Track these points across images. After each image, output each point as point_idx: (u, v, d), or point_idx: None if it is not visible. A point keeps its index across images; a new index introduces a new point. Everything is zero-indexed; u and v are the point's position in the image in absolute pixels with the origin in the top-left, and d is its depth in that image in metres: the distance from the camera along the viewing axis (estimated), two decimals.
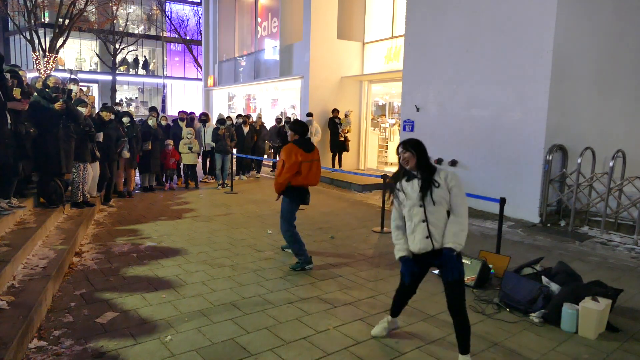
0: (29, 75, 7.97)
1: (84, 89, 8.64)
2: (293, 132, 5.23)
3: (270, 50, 15.01)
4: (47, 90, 6.52)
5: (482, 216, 8.08)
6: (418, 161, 3.12)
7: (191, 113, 12.07)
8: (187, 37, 33.27)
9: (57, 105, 6.19)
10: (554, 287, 4.20)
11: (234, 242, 6.21)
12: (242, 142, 11.94)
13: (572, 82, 7.79)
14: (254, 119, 12.99)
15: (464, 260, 4.92)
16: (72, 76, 9.08)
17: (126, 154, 8.68)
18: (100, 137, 7.59)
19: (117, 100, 28.05)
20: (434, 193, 3.06)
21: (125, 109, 11.65)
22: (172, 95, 36.14)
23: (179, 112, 11.53)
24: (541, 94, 7.55)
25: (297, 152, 5.06)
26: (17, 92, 5.41)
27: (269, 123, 14.06)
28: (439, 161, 9.07)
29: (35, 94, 6.45)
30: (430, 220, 3.07)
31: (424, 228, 3.08)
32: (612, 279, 5.11)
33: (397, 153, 3.22)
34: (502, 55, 8.10)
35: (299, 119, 13.01)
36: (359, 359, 3.34)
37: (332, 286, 4.72)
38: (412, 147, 3.14)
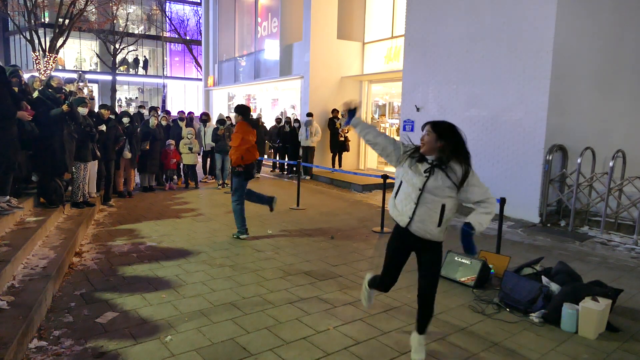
0: (26, 75, 7.99)
1: (86, 89, 8.69)
2: (238, 114, 6.32)
3: (270, 50, 15.01)
4: (50, 90, 6.54)
5: None
6: (442, 150, 2.94)
7: (190, 113, 12.07)
8: (187, 37, 33.27)
9: (64, 108, 6.23)
10: (554, 287, 4.20)
11: (234, 242, 6.21)
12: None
13: (572, 82, 7.79)
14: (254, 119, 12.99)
15: (463, 260, 4.94)
16: (80, 79, 9.13)
17: (127, 154, 8.69)
18: (104, 127, 7.62)
19: (118, 100, 28.08)
20: (438, 183, 2.94)
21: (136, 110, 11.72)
22: (172, 95, 36.14)
23: (164, 111, 11.54)
24: (541, 94, 7.55)
25: (251, 130, 6.23)
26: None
27: (269, 123, 14.07)
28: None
29: (37, 93, 6.47)
30: (420, 206, 2.99)
31: (411, 209, 3.02)
32: (612, 279, 5.11)
33: (423, 130, 3.03)
34: (502, 55, 8.10)
35: (299, 118, 13.04)
36: (359, 359, 3.34)
37: (332, 286, 4.72)
38: (441, 133, 2.94)
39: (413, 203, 3.01)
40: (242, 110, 6.36)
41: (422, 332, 3.29)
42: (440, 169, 2.95)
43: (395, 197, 3.16)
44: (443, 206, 2.97)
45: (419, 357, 3.29)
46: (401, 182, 3.12)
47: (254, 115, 14.40)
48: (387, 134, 3.24)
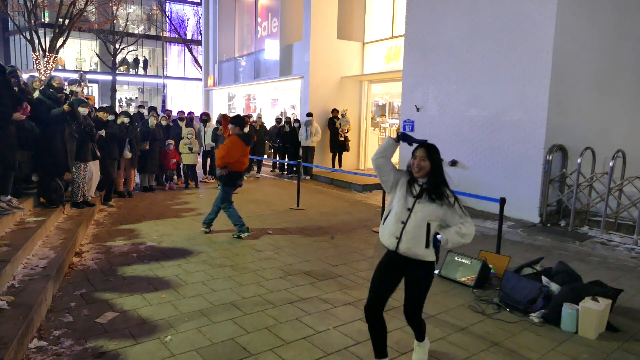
0: (25, 75, 7.99)
1: (85, 90, 8.68)
2: (235, 125, 6.33)
3: (270, 50, 15.02)
4: (51, 90, 6.53)
5: (482, 216, 8.08)
6: (432, 171, 3.03)
7: (190, 113, 12.07)
8: (187, 37, 33.28)
9: (66, 107, 6.23)
10: (554, 287, 4.20)
11: (234, 242, 6.21)
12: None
13: (572, 82, 7.79)
14: (254, 119, 13.02)
15: (463, 260, 4.95)
16: (81, 78, 9.10)
17: (128, 154, 8.69)
18: (103, 133, 7.63)
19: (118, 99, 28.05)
20: (427, 205, 2.99)
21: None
22: (172, 95, 36.14)
23: (166, 111, 11.53)
24: (541, 94, 7.55)
25: (242, 147, 6.29)
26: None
27: (269, 123, 14.07)
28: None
29: (38, 93, 6.47)
30: (408, 227, 3.01)
31: (399, 229, 3.03)
32: (612, 279, 5.11)
33: (414, 155, 3.05)
34: (502, 55, 8.10)
35: (299, 118, 13.04)
36: (359, 359, 3.34)
37: (332, 286, 4.72)
38: (433, 158, 3.02)
39: (401, 223, 3.03)
40: (239, 122, 6.38)
41: (420, 339, 3.30)
42: (428, 194, 3.01)
43: (384, 222, 3.16)
44: (428, 225, 3.00)
45: (418, 358, 3.30)
46: (391, 207, 3.14)
47: (254, 115, 14.42)
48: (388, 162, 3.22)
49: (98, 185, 7.89)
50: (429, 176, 3.03)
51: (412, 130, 9.94)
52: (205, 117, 11.68)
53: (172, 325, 3.74)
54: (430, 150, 3.04)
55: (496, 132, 8.27)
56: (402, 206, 3.05)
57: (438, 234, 3.01)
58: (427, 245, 3.00)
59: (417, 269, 3.08)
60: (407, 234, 3.01)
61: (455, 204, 3.04)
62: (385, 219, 3.16)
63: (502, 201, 5.62)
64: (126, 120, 8.71)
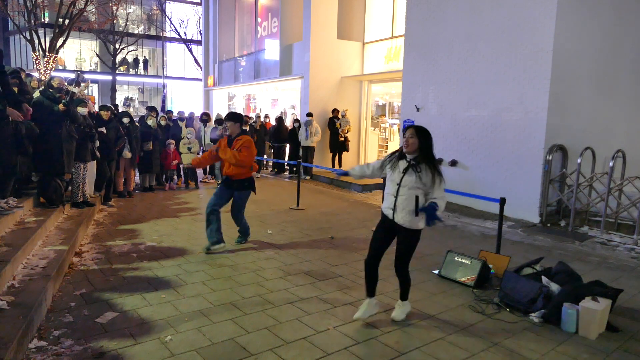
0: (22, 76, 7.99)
1: (85, 91, 8.60)
2: (234, 122, 5.71)
3: (270, 50, 15.02)
4: (50, 90, 6.54)
5: (482, 216, 8.08)
6: (420, 149, 3.59)
7: (191, 113, 12.08)
8: (187, 37, 33.27)
9: (60, 107, 6.22)
10: (554, 287, 4.19)
11: (233, 242, 6.20)
12: None
13: (572, 82, 7.79)
14: (254, 119, 13.02)
15: (463, 260, 4.95)
16: (79, 78, 9.04)
17: (127, 154, 8.68)
18: (104, 130, 7.62)
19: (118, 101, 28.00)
20: (412, 179, 3.54)
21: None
22: (172, 95, 36.12)
23: (166, 112, 11.54)
24: (541, 94, 7.55)
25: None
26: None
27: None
28: (439, 161, 9.11)
29: (38, 93, 6.47)
30: (399, 198, 3.61)
31: (392, 201, 3.65)
32: (612, 279, 5.11)
33: (404, 134, 3.65)
34: (502, 55, 8.10)
35: (299, 118, 13.03)
36: (359, 359, 3.34)
37: (332, 286, 4.72)
38: (420, 136, 3.61)
39: (392, 196, 3.65)
40: (234, 118, 5.77)
41: (403, 299, 3.93)
42: (414, 169, 3.57)
43: (383, 196, 3.84)
44: (417, 197, 3.57)
45: (395, 315, 3.90)
46: (385, 183, 3.79)
47: (253, 116, 14.41)
48: (367, 165, 4.03)
49: (96, 185, 7.89)
50: (417, 153, 3.60)
51: None
52: (205, 117, 11.69)
53: (172, 325, 3.74)
54: (418, 130, 3.63)
55: (496, 132, 8.27)
56: (392, 181, 3.67)
57: (434, 202, 3.50)
58: (416, 214, 3.57)
59: (406, 233, 3.69)
60: (399, 205, 3.62)
61: (437, 182, 3.56)
62: (383, 193, 3.82)
63: (502, 201, 5.63)
64: (126, 120, 8.73)
